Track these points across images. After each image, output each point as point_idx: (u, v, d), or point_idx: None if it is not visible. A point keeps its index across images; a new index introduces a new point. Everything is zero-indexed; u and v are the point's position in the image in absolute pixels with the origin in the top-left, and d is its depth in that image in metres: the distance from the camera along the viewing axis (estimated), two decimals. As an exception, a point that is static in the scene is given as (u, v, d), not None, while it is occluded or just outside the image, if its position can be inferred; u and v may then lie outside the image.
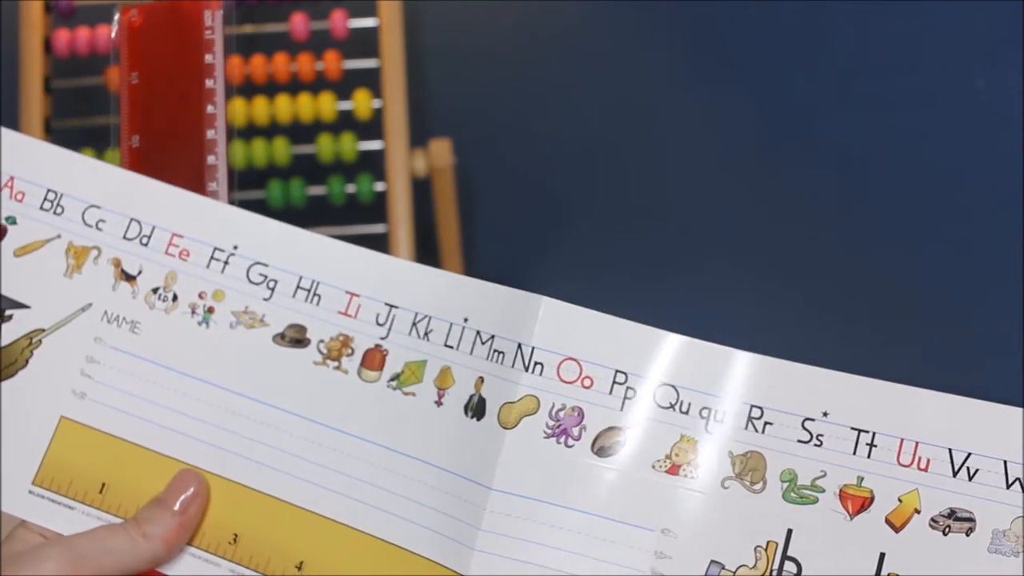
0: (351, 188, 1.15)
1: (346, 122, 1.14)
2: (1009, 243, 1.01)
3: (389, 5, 1.12)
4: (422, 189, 1.15)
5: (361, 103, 1.13)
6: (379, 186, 1.13)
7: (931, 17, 1.01)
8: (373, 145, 1.13)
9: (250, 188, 1.14)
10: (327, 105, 1.13)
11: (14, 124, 1.08)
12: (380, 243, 1.11)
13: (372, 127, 1.14)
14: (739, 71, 1.14)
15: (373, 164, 1.16)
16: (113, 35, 0.53)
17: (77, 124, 1.19)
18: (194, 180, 0.50)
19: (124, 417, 0.47)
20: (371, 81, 1.13)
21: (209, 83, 0.52)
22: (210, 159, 0.51)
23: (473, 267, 1.31)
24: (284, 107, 1.12)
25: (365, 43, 1.14)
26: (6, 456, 0.47)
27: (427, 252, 1.21)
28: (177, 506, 0.45)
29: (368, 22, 1.13)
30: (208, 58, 0.52)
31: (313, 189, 1.15)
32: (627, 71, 1.20)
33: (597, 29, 1.20)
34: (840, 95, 1.09)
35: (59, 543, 0.43)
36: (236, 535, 0.45)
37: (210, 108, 0.52)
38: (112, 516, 0.46)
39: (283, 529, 0.45)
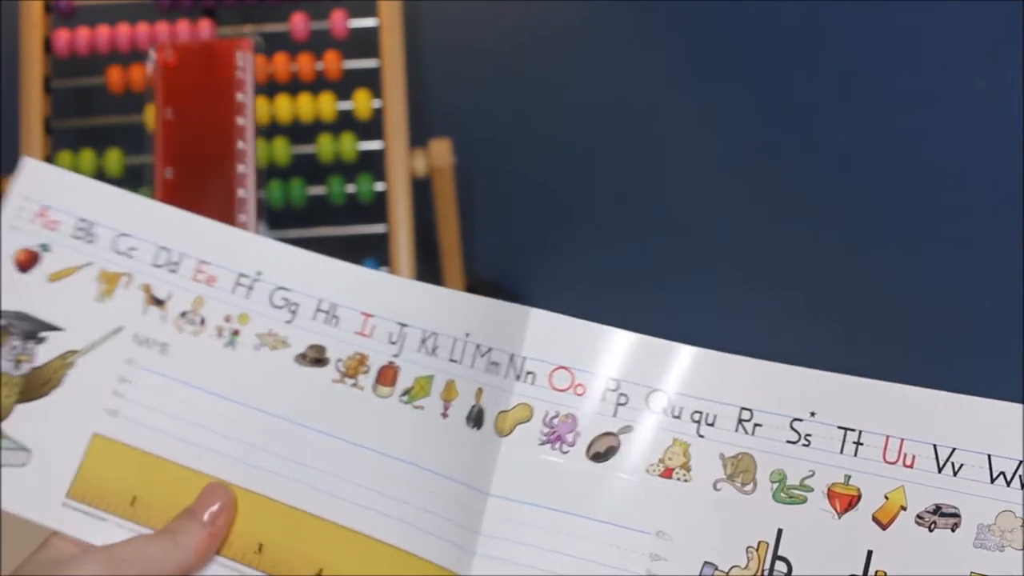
0: (351, 188, 1.15)
1: (346, 122, 1.14)
2: (1009, 243, 1.01)
3: (389, 5, 1.12)
4: (422, 189, 1.15)
5: (361, 103, 1.13)
6: (379, 186, 1.14)
7: (931, 17, 1.01)
8: (373, 145, 1.14)
9: (250, 188, 1.14)
10: (327, 105, 1.13)
11: (14, 124, 1.08)
12: (380, 243, 1.11)
13: (372, 127, 1.14)
14: (739, 71, 1.14)
15: (373, 164, 1.16)
16: (149, 73, 0.55)
17: (77, 124, 1.19)
18: (225, 212, 0.53)
19: (154, 434, 0.50)
20: (371, 81, 1.13)
21: (240, 120, 0.55)
22: (240, 192, 0.55)
23: (473, 267, 1.31)
24: (284, 107, 1.12)
25: (365, 43, 1.14)
26: (42, 470, 0.49)
27: (427, 252, 1.21)
28: (206, 517, 0.47)
29: (368, 22, 1.13)
30: (239, 96, 0.55)
31: (313, 189, 1.15)
32: (627, 71, 1.20)
33: (597, 29, 1.20)
34: (840, 95, 1.09)
35: (100, 551, 0.46)
36: (261, 545, 0.48)
37: (240, 144, 0.55)
38: (142, 527, 0.48)
39: (304, 538, 0.48)
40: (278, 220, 1.14)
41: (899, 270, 1.09)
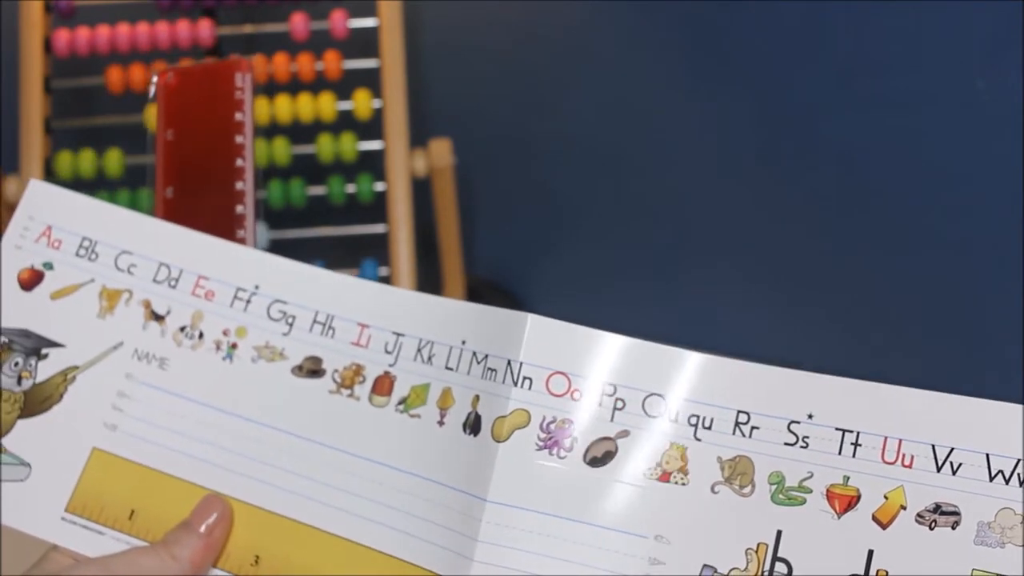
0: (351, 188, 1.15)
1: (346, 122, 1.14)
2: (1009, 243, 1.01)
3: (389, 5, 1.12)
4: (422, 189, 1.15)
5: (361, 103, 1.13)
6: (379, 186, 1.14)
7: (931, 17, 1.01)
8: (373, 145, 1.14)
9: (250, 188, 1.14)
10: (327, 105, 1.13)
11: (14, 124, 1.08)
12: (380, 243, 1.11)
13: (372, 127, 1.14)
14: (739, 72, 1.14)
15: (373, 164, 1.16)
16: (151, 95, 0.58)
17: (77, 124, 1.20)
18: (224, 228, 0.55)
19: (153, 447, 0.50)
20: (371, 81, 1.13)
21: (239, 139, 0.57)
22: (239, 209, 0.56)
23: (473, 267, 1.31)
24: (284, 107, 1.12)
25: (365, 43, 1.14)
26: (41, 485, 0.50)
27: (427, 252, 1.21)
28: (203, 529, 0.47)
29: (368, 22, 1.13)
30: (238, 116, 0.57)
31: (313, 189, 1.15)
32: (627, 71, 1.20)
33: (597, 29, 1.20)
34: (840, 95, 1.09)
35: (94, 563, 0.46)
36: (258, 556, 0.48)
37: (239, 162, 0.56)
38: (141, 541, 0.49)
39: (301, 549, 0.48)
40: (278, 220, 1.14)
41: (899, 270, 1.09)
